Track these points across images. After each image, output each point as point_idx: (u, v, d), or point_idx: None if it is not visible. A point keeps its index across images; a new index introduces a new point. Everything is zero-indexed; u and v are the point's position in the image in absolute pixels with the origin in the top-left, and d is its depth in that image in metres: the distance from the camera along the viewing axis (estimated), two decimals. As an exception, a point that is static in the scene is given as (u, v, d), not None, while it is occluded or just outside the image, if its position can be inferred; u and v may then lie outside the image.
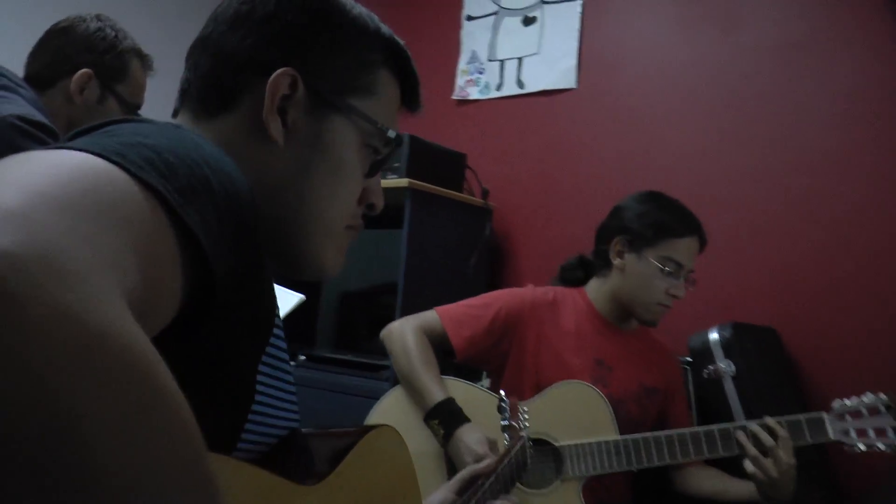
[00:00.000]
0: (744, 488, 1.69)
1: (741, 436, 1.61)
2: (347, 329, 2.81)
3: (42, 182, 0.39)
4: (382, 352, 1.86)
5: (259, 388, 0.64)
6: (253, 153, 0.73)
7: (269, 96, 0.72)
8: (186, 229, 0.49)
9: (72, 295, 0.33)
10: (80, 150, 0.46)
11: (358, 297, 2.83)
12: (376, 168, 0.81)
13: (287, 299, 1.85)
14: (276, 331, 0.67)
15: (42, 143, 1.41)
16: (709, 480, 1.81)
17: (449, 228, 2.60)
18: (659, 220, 1.79)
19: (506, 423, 1.41)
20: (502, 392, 1.51)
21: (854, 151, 2.19)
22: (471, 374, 1.99)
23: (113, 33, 1.61)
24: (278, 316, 0.68)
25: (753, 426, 1.60)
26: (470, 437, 1.59)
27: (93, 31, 1.59)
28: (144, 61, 1.70)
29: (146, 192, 0.47)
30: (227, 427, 0.61)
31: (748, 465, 1.58)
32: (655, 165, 2.55)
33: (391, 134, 0.79)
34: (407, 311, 1.90)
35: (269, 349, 0.65)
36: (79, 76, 1.56)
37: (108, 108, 1.62)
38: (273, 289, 0.67)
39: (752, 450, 1.58)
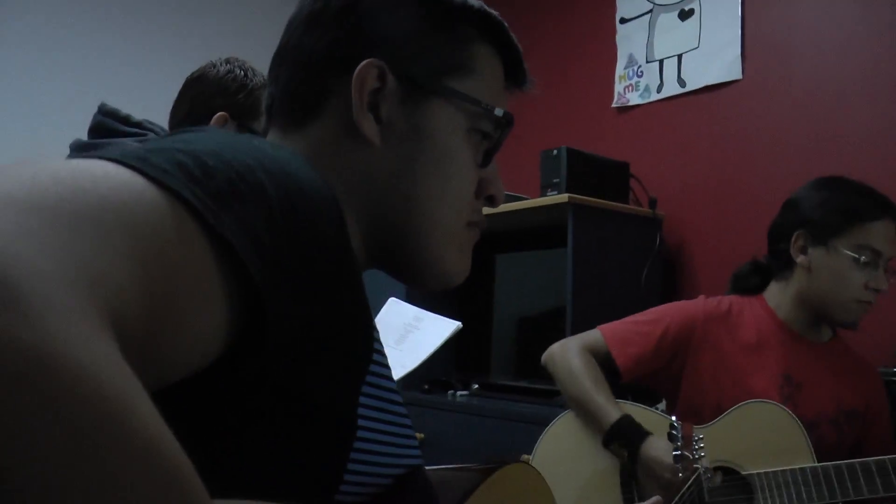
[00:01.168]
0: None
1: None
2: (521, 355, 2.74)
3: (17, 187, 0.33)
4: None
5: (362, 423, 0.57)
6: (349, 159, 0.67)
7: (356, 93, 0.65)
8: (221, 239, 0.42)
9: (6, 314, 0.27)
10: (96, 157, 0.41)
11: (529, 322, 2.75)
12: (490, 155, 0.72)
13: (443, 327, 1.80)
14: (377, 357, 0.60)
15: None
16: None
17: (616, 243, 2.47)
18: (846, 204, 1.58)
19: (678, 452, 1.27)
20: (673, 417, 1.37)
21: None
22: (648, 398, 1.84)
23: (242, 73, 1.63)
24: (378, 342, 0.62)
25: None
26: (657, 449, 1.46)
27: (223, 74, 1.62)
28: None
29: (167, 197, 0.40)
30: (325, 471, 0.54)
31: None
32: (840, 154, 2.29)
33: (499, 112, 0.70)
34: (578, 332, 1.80)
35: (370, 378, 0.58)
36: (215, 120, 1.59)
37: None
38: (367, 309, 0.60)
39: None
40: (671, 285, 2.64)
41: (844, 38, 2.33)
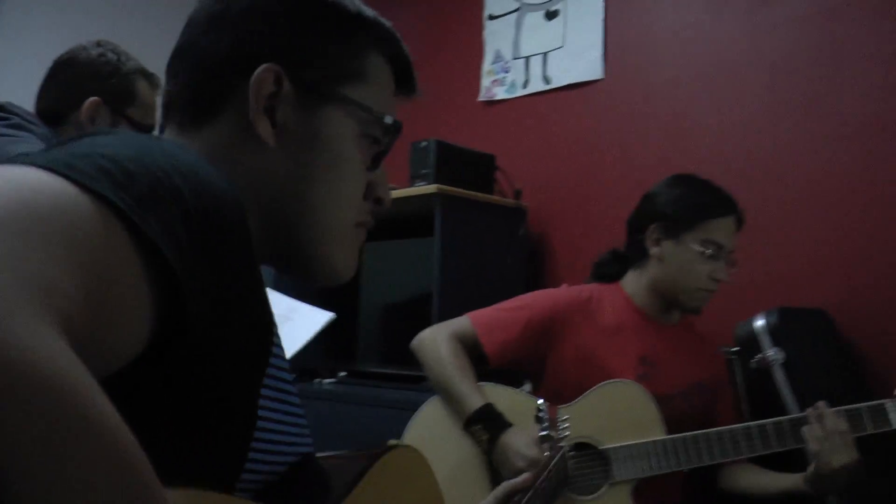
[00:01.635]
0: (789, 481, 1.62)
1: (805, 430, 1.53)
2: (387, 342, 2.78)
3: None
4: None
5: (262, 413, 0.59)
6: (246, 159, 0.69)
7: (253, 96, 0.68)
8: (147, 240, 0.45)
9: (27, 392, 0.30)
10: (23, 163, 0.43)
11: (395, 310, 2.80)
12: (378, 159, 0.76)
13: (317, 318, 1.82)
14: (275, 349, 0.62)
15: None
16: (754, 476, 1.73)
17: (482, 232, 2.56)
18: (695, 202, 1.73)
19: (544, 433, 1.36)
20: (540, 400, 1.46)
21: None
22: (512, 380, 1.94)
23: (115, 57, 1.60)
24: (276, 335, 0.64)
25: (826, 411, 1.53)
26: (518, 441, 1.54)
27: (95, 57, 1.58)
28: (151, 80, 1.67)
29: (97, 202, 0.43)
30: (229, 459, 0.57)
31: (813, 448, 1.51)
32: (692, 149, 2.47)
33: (388, 120, 0.74)
34: (444, 320, 1.86)
35: (270, 370, 0.61)
36: (88, 105, 1.54)
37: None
38: (269, 305, 0.62)
39: (815, 441, 1.50)
40: (534, 273, 2.76)
41: (698, 43, 2.51)
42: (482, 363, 1.75)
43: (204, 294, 0.49)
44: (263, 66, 0.68)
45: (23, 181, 0.40)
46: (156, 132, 1.65)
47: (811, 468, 1.52)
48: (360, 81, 0.73)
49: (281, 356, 0.64)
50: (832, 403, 1.57)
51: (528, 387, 1.89)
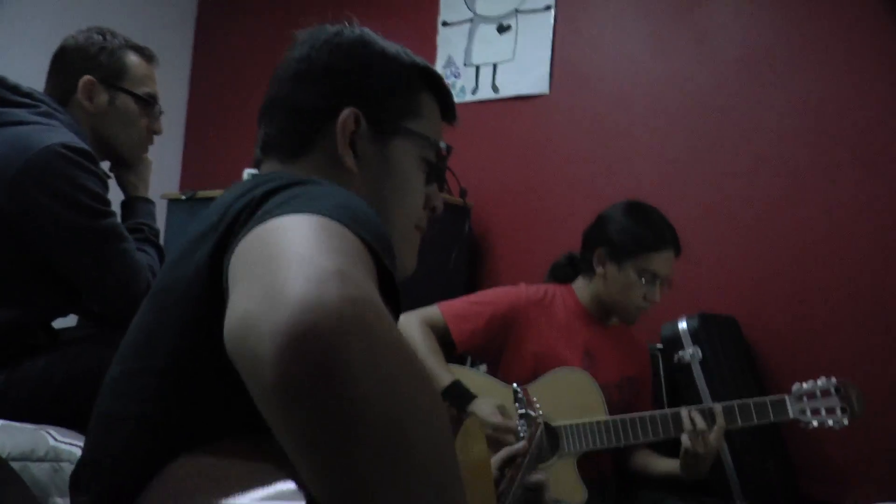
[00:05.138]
0: (668, 465, 1.94)
1: (685, 416, 1.81)
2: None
3: (326, 245, 0.56)
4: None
5: None
6: (336, 183, 0.88)
7: (340, 135, 0.89)
8: (385, 273, 0.64)
9: (387, 324, 0.51)
10: (315, 213, 0.62)
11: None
12: (433, 177, 0.98)
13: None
14: None
15: (84, 170, 1.51)
16: (646, 458, 2.05)
17: (430, 227, 2.76)
18: (638, 234, 1.98)
19: (523, 411, 1.61)
20: (515, 384, 1.70)
21: (812, 157, 2.43)
22: (457, 362, 2.19)
23: (100, 36, 1.68)
24: None
25: (695, 412, 1.82)
26: (483, 410, 1.77)
27: (82, 41, 1.68)
28: (141, 52, 1.75)
29: (357, 237, 0.62)
30: None
31: (684, 439, 1.80)
32: (625, 169, 2.77)
33: (443, 145, 0.97)
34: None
35: None
36: (82, 85, 1.64)
37: (122, 105, 1.70)
38: None
39: (688, 427, 1.79)
40: (476, 267, 3.01)
41: (636, 72, 2.80)
42: (449, 349, 1.98)
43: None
44: (346, 110, 0.89)
45: (338, 230, 0.60)
46: (159, 106, 1.76)
47: (682, 456, 1.81)
48: (417, 116, 0.95)
49: None
50: (736, 396, 1.89)
51: (483, 368, 2.15)
